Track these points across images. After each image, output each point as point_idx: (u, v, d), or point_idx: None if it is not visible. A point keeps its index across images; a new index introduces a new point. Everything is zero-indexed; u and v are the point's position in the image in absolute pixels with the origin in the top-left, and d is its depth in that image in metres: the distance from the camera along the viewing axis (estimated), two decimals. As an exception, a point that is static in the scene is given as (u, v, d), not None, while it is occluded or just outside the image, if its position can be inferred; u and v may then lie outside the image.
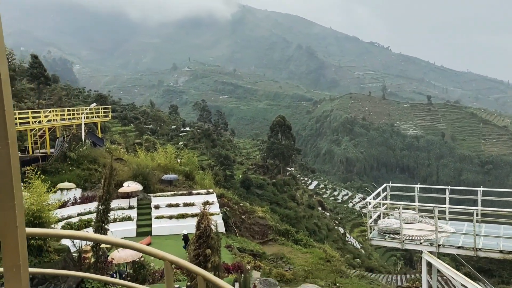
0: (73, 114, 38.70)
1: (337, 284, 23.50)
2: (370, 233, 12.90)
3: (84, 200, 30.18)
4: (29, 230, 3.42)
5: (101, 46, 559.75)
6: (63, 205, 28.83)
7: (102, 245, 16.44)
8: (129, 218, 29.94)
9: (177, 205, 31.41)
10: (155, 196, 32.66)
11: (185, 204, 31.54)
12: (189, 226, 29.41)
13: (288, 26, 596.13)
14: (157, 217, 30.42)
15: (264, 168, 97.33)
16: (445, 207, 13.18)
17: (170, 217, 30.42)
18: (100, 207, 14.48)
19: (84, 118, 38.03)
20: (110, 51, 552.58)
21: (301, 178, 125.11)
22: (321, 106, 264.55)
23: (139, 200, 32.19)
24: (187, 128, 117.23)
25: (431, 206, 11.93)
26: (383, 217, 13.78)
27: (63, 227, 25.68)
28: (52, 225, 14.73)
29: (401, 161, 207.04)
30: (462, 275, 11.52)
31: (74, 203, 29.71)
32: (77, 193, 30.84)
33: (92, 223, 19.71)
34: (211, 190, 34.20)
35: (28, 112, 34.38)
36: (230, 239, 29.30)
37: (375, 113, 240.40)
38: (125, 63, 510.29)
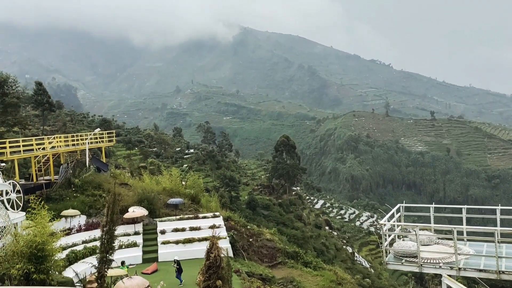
0: (77, 140, 38.52)
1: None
2: (386, 256, 12.36)
3: (89, 227, 29.70)
4: None
5: (105, 71, 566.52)
6: (68, 232, 28.38)
7: (108, 275, 15.97)
8: (134, 244, 29.38)
9: (183, 230, 30.85)
10: (161, 221, 32.15)
11: (192, 228, 30.99)
12: (196, 251, 28.85)
13: (289, 46, 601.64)
14: (163, 243, 29.83)
15: (270, 188, 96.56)
16: (462, 228, 12.64)
17: (177, 242, 29.84)
18: (104, 236, 14.06)
19: (88, 143, 37.83)
20: (114, 76, 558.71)
21: (307, 197, 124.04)
22: (325, 125, 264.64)
23: (144, 225, 31.67)
24: (192, 150, 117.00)
25: (450, 227, 11.43)
26: (398, 239, 13.26)
27: (67, 256, 25.18)
28: (56, 257, 14.29)
29: (407, 178, 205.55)
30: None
31: (79, 230, 29.22)
32: (82, 220, 30.37)
33: (97, 250, 19.21)
34: (217, 213, 33.66)
35: (32, 139, 34.21)
36: (238, 263, 28.62)
37: (379, 130, 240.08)
38: (129, 87, 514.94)
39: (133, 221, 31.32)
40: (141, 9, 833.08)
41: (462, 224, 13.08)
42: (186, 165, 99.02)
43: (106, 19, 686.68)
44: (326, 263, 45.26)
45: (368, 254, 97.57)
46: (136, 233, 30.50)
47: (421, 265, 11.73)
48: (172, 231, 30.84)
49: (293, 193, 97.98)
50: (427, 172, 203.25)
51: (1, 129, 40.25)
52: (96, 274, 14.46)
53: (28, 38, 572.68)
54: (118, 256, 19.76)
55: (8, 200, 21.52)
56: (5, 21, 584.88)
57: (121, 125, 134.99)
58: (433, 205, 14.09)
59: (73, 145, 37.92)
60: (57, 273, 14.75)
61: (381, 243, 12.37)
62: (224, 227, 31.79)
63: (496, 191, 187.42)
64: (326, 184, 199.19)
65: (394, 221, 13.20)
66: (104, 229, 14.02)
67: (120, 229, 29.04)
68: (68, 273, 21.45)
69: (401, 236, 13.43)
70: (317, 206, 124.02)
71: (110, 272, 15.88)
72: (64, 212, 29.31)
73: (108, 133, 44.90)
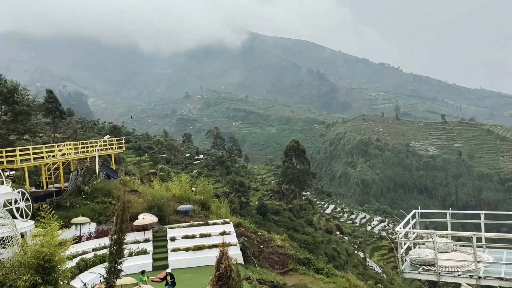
0: (87, 147, 38.56)
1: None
2: (402, 265, 11.96)
3: (99, 234, 29.58)
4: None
5: (115, 78, 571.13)
6: (78, 240, 28.30)
7: (117, 284, 15.75)
8: (144, 252, 29.18)
9: (193, 237, 30.61)
10: (171, 228, 31.94)
11: (202, 235, 30.74)
12: (206, 258, 28.59)
13: (297, 51, 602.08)
14: (174, 250, 29.59)
15: (280, 194, 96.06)
16: (481, 234, 12.20)
17: (187, 249, 29.59)
18: (112, 246, 13.81)
19: (98, 150, 37.84)
20: (124, 83, 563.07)
21: (318, 202, 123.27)
22: (334, 129, 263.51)
23: (154, 232, 31.48)
24: (201, 156, 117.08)
25: (469, 234, 11.01)
26: (414, 247, 12.85)
27: (77, 264, 25.05)
28: (64, 267, 14.07)
29: (418, 182, 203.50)
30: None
31: (89, 237, 29.12)
32: (92, 227, 30.28)
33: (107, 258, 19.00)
34: (227, 220, 33.38)
35: (42, 146, 34.29)
36: (249, 270, 28.28)
37: (389, 134, 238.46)
38: (138, 94, 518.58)
39: (143, 228, 31.16)
40: (150, 16, 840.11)
41: (476, 230, 12.63)
42: (196, 171, 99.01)
43: (115, 26, 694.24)
44: (337, 268, 44.69)
45: (380, 259, 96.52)
46: (146, 240, 30.33)
47: (439, 273, 11.32)
48: (182, 238, 30.61)
49: (303, 198, 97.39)
50: (438, 175, 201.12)
51: (12, 137, 40.45)
52: (104, 283, 14.25)
53: (39, 47, 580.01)
54: (128, 264, 19.54)
55: (17, 209, 21.46)
56: (16, 30, 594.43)
57: (131, 132, 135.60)
58: (450, 211, 13.67)
59: (83, 152, 37.96)
60: (65, 282, 14.54)
61: (397, 251, 11.98)
62: (235, 234, 31.50)
63: (509, 194, 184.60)
64: (336, 188, 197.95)
65: (409, 228, 12.82)
66: (113, 238, 13.79)
67: (130, 237, 28.79)
68: (77, 282, 21.31)
69: (417, 244, 13.03)
70: (328, 211, 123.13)
71: (119, 281, 15.66)
72: (74, 220, 29.27)
73: (117, 140, 44.92)
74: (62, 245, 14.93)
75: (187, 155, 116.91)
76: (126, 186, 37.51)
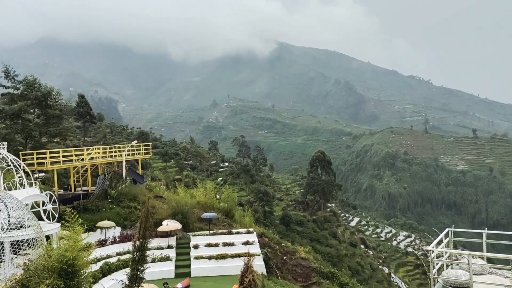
0: (115, 152, 39.06)
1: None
2: (434, 286, 11.39)
3: (123, 239, 29.73)
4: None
5: (145, 85, 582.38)
6: (102, 244, 28.51)
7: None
8: (167, 258, 29.12)
9: (216, 245, 30.39)
10: (194, 235, 31.82)
11: (225, 244, 30.48)
12: (229, 268, 28.33)
13: (325, 62, 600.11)
14: (196, 257, 29.43)
15: (304, 204, 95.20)
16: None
17: (210, 258, 29.38)
18: (135, 253, 13.68)
19: (126, 155, 38.26)
20: (153, 89, 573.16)
21: (342, 214, 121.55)
22: (361, 141, 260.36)
23: (178, 239, 31.43)
24: (226, 164, 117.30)
25: (508, 257, 10.37)
26: (446, 267, 12.25)
27: (101, 268, 25.19)
28: (87, 272, 14.04)
29: (447, 197, 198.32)
30: None
31: (113, 242, 29.31)
32: (117, 231, 30.49)
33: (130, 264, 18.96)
34: (251, 230, 33.04)
35: (71, 150, 34.91)
36: (272, 282, 27.84)
37: (417, 147, 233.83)
38: (167, 101, 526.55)
39: (167, 234, 31.17)
40: (180, 25, 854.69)
41: (505, 251, 11.93)
42: (221, 178, 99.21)
43: (146, 34, 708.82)
44: (361, 283, 43.69)
45: (405, 275, 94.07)
46: (169, 247, 30.29)
47: (474, 297, 10.72)
48: (205, 246, 30.43)
49: (328, 209, 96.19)
50: (468, 192, 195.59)
51: (43, 140, 41.38)
52: (127, 289, 14.18)
53: (73, 53, 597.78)
54: (150, 270, 19.44)
55: (45, 211, 21.73)
56: (52, 36, 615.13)
57: (159, 138, 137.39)
58: (486, 231, 13.01)
59: (111, 156, 38.46)
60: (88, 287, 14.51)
61: (429, 271, 11.42)
62: (258, 244, 31.12)
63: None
64: (361, 201, 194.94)
65: (442, 247, 12.23)
66: (136, 245, 13.68)
67: (153, 242, 28.90)
68: (100, 287, 21.37)
69: (449, 264, 12.42)
70: (353, 223, 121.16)
71: (142, 287, 15.54)
72: (100, 224, 29.54)
73: (145, 145, 45.39)
74: (86, 249, 14.95)
75: (213, 162, 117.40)
76: (151, 192, 37.74)
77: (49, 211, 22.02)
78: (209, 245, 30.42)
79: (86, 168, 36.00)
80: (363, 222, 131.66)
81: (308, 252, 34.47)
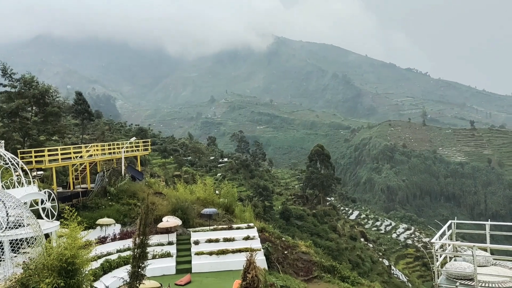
0: (114, 149, 38.87)
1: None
2: (438, 278, 11.30)
3: (123, 236, 29.62)
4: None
5: (142, 81, 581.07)
6: (103, 241, 28.41)
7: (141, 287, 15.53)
8: (168, 255, 29.04)
9: (217, 241, 30.30)
10: (195, 231, 31.71)
11: (225, 239, 30.40)
12: (230, 263, 28.27)
13: (323, 56, 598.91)
14: (197, 253, 29.35)
15: (304, 199, 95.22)
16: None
17: (210, 253, 29.31)
18: (136, 250, 13.55)
19: (124, 152, 38.08)
20: (151, 86, 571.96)
21: (342, 208, 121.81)
22: (359, 134, 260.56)
23: (178, 235, 31.32)
24: (225, 159, 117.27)
25: (511, 248, 10.27)
26: (450, 260, 12.16)
27: (102, 265, 25.10)
28: (87, 270, 13.91)
29: (446, 189, 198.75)
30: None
31: (113, 239, 29.20)
32: (117, 228, 30.37)
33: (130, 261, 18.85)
34: (251, 225, 32.95)
35: (70, 147, 34.72)
36: (273, 277, 27.77)
37: (415, 140, 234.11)
38: (165, 97, 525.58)
39: (167, 230, 31.07)
40: (177, 21, 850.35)
41: (504, 242, 11.81)
42: (220, 174, 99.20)
43: (142, 30, 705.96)
44: (361, 276, 43.68)
45: (405, 268, 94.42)
46: (170, 243, 30.19)
47: (478, 289, 10.63)
48: (206, 241, 30.34)
49: (328, 203, 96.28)
50: (467, 183, 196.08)
51: (42, 138, 41.18)
52: (127, 287, 14.03)
53: (70, 51, 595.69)
54: (151, 266, 19.34)
55: (44, 209, 21.60)
56: (48, 34, 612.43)
57: (157, 134, 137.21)
58: (489, 222, 12.92)
59: (110, 153, 38.28)
60: (88, 285, 14.37)
61: (432, 263, 11.33)
62: (259, 239, 31.04)
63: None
64: (361, 194, 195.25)
65: (445, 239, 12.14)
66: (136, 242, 13.55)
67: (153, 239, 28.82)
68: (101, 285, 21.26)
69: (454, 256, 12.33)
70: (352, 217, 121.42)
71: (142, 286, 15.43)
72: (99, 221, 29.41)
73: (143, 142, 45.19)
74: (86, 247, 14.80)
75: (212, 158, 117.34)
76: (151, 188, 37.59)
77: (48, 209, 21.87)
78: (209, 241, 30.33)
79: (85, 166, 35.82)
80: (363, 216, 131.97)
81: (309, 246, 34.42)
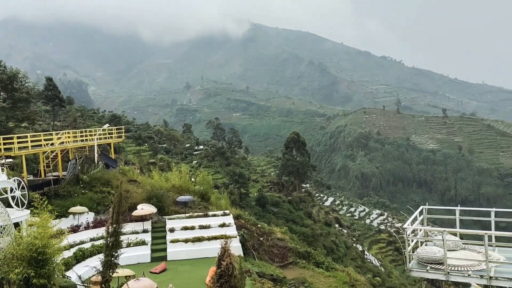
0: (86, 136, 38.07)
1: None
2: (409, 262, 11.54)
3: (97, 224, 29.22)
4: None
5: (116, 67, 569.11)
6: (75, 229, 27.95)
7: (114, 276, 15.34)
8: (143, 243, 28.83)
9: (192, 228, 30.24)
10: (170, 219, 31.55)
11: (201, 227, 30.38)
12: (205, 250, 28.29)
13: (299, 43, 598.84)
14: (172, 241, 29.24)
15: (279, 186, 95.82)
16: (493, 233, 11.76)
17: (186, 241, 29.24)
18: (109, 239, 13.34)
19: (97, 139, 37.36)
20: (125, 72, 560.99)
21: (317, 194, 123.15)
22: (335, 122, 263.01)
23: (153, 223, 31.11)
24: (201, 147, 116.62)
25: (481, 232, 10.56)
26: (421, 244, 12.44)
27: (75, 254, 24.72)
28: (58, 259, 13.62)
29: (418, 176, 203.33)
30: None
31: (87, 227, 28.77)
32: (90, 217, 29.91)
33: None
34: (227, 212, 32.99)
35: (40, 134, 33.81)
36: (249, 263, 27.96)
37: (389, 128, 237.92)
38: (139, 83, 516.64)
39: (142, 218, 30.79)
40: (151, 5, 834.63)
41: (478, 227, 12.19)
42: (196, 161, 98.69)
43: (116, 15, 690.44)
44: (336, 261, 44.48)
45: (378, 252, 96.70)
46: (145, 231, 29.97)
47: (448, 272, 10.91)
48: (181, 229, 30.25)
49: (303, 190, 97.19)
50: (438, 170, 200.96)
51: (10, 124, 39.99)
52: (100, 276, 13.83)
53: (39, 35, 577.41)
54: (126, 255, 19.13)
55: (13, 198, 21.02)
56: (16, 17, 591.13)
57: (131, 121, 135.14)
58: (459, 208, 13.25)
59: (82, 140, 37.49)
60: (60, 275, 14.11)
61: (404, 248, 11.57)
62: (234, 226, 31.14)
63: (508, 189, 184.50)
64: (336, 181, 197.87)
65: (417, 224, 12.40)
66: (109, 230, 13.33)
67: (128, 227, 28.54)
68: (74, 274, 20.94)
69: (425, 241, 12.61)
70: (327, 203, 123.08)
71: (116, 274, 15.25)
72: (72, 209, 28.88)
73: (117, 129, 44.43)
74: (58, 236, 14.49)
75: (187, 145, 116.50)
76: (125, 176, 37.09)
77: (17, 198, 21.30)
78: (185, 228, 30.25)
79: (56, 153, 34.98)
80: (337, 202, 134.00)
81: (284, 233, 34.77)
